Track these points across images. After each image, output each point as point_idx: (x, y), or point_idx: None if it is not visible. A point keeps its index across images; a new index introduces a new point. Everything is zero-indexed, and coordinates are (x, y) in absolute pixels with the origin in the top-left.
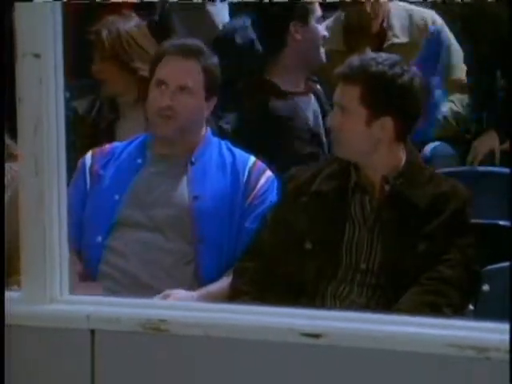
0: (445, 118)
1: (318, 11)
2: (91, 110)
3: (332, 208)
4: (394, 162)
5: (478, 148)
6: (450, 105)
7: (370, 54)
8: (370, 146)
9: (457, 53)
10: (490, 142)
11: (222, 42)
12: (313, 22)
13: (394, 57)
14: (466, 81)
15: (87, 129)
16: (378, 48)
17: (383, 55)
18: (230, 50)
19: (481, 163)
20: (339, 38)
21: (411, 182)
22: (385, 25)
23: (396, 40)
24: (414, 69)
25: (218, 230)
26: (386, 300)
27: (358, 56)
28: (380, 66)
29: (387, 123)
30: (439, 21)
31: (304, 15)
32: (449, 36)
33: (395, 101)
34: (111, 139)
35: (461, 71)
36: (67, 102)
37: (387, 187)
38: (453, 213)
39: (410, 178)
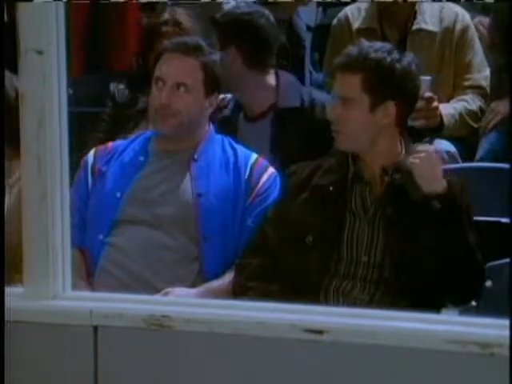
0: (460, 114)
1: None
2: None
3: (332, 201)
4: (393, 153)
5: (495, 110)
6: (464, 103)
7: (365, 42)
8: (374, 134)
9: (479, 53)
10: (507, 105)
11: None
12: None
13: (389, 44)
14: (480, 81)
15: (123, 112)
16: (406, 30)
17: (378, 43)
18: None
19: (495, 126)
20: (373, 17)
21: (410, 173)
22: (415, 8)
23: (424, 26)
24: (411, 55)
25: (221, 228)
26: (389, 294)
27: (354, 46)
28: (379, 52)
29: (390, 108)
30: (467, 18)
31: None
32: (474, 35)
33: (396, 85)
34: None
35: (477, 71)
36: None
37: (387, 179)
38: (453, 203)
39: (409, 169)
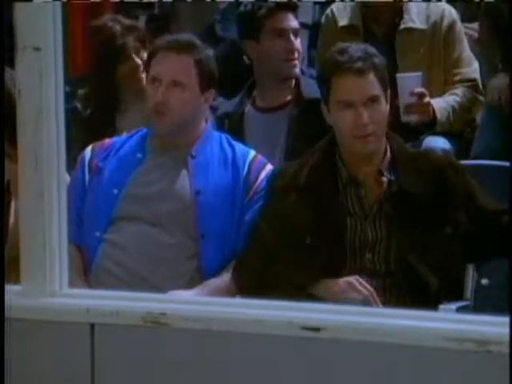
0: (453, 107)
1: (278, 24)
2: (88, 105)
3: (327, 202)
4: (383, 152)
5: (492, 85)
6: (454, 97)
7: (346, 44)
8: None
9: (467, 48)
10: (502, 80)
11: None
12: (266, 39)
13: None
14: (470, 74)
15: (86, 123)
16: (393, 29)
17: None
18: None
19: (494, 100)
20: (356, 14)
21: (404, 170)
22: (402, 6)
23: (412, 25)
24: None
25: (220, 225)
26: (396, 286)
27: (344, 49)
28: (372, 48)
29: (388, 97)
30: (454, 13)
31: (255, 32)
32: (461, 30)
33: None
34: (112, 131)
35: (467, 65)
36: (67, 96)
37: (385, 179)
38: (453, 188)
39: (403, 166)
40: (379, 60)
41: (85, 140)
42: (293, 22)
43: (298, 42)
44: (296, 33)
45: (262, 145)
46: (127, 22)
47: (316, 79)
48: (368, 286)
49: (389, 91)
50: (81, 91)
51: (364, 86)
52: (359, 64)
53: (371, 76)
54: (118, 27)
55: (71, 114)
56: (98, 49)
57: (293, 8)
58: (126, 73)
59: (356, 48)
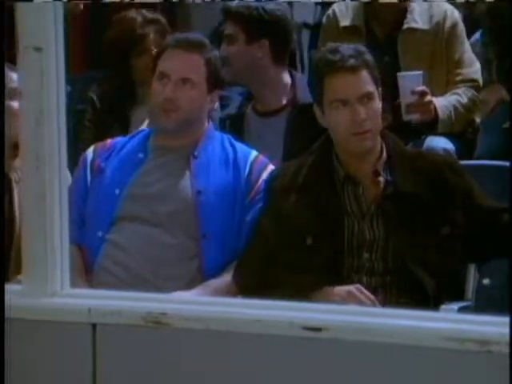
0: (454, 107)
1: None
2: (104, 100)
3: (324, 201)
4: (378, 150)
5: (487, 98)
6: (456, 96)
7: (336, 44)
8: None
9: (468, 48)
10: (498, 92)
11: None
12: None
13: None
14: (472, 75)
15: (101, 118)
16: (395, 30)
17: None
18: None
19: (492, 112)
20: (358, 15)
21: (401, 169)
22: (406, 7)
23: (414, 25)
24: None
25: (221, 225)
26: (395, 285)
27: (335, 48)
28: (362, 46)
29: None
30: (456, 14)
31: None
32: (463, 30)
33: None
34: (126, 127)
35: (469, 66)
36: (69, 94)
37: (381, 179)
38: (452, 192)
39: (400, 165)
40: (370, 57)
41: (98, 135)
42: None
43: None
44: None
45: (261, 147)
46: (149, 14)
47: (307, 82)
48: (369, 294)
49: (380, 88)
50: (97, 85)
51: (358, 83)
52: (352, 62)
53: (364, 73)
54: (139, 18)
55: (90, 108)
56: (117, 38)
57: None
58: (144, 65)
59: (347, 47)
